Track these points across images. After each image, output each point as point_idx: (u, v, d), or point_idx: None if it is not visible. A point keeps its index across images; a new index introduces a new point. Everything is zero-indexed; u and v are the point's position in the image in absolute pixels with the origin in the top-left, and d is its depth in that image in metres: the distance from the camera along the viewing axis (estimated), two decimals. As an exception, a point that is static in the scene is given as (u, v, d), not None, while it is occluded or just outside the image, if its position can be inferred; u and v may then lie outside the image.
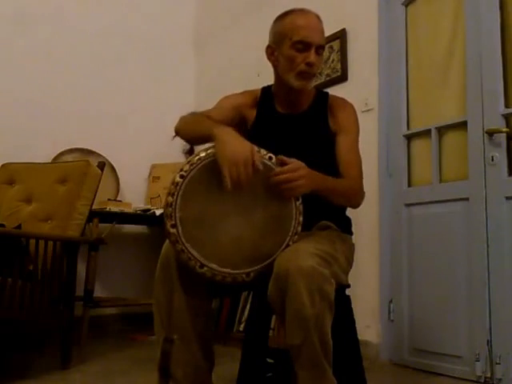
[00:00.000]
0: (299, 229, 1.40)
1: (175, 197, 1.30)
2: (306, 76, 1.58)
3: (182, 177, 1.31)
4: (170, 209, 1.30)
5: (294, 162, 1.36)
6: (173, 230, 1.30)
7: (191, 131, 1.55)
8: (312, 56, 1.55)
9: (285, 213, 1.38)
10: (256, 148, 1.34)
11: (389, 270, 2.58)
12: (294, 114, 1.68)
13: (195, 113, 1.61)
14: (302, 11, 1.61)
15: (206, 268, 1.33)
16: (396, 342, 2.52)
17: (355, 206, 1.62)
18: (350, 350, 1.61)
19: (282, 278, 1.27)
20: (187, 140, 1.63)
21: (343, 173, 1.58)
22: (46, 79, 3.30)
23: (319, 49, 1.58)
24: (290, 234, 1.39)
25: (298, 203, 1.39)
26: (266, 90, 1.75)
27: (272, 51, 1.64)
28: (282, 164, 1.36)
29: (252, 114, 1.70)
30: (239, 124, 1.67)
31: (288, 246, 1.38)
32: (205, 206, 1.34)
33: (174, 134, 1.61)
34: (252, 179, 1.30)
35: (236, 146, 1.32)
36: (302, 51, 1.55)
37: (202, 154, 1.33)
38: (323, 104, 1.69)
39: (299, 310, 1.25)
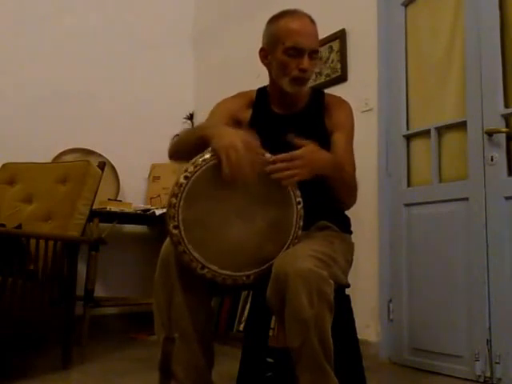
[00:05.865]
0: (299, 232, 1.40)
1: (179, 198, 1.28)
2: (300, 81, 1.58)
3: (186, 178, 1.29)
4: (173, 210, 1.29)
5: (300, 150, 1.36)
6: (175, 231, 1.29)
7: (184, 144, 1.53)
8: (305, 62, 1.54)
9: (286, 217, 1.38)
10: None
11: (388, 270, 2.59)
12: (289, 114, 1.68)
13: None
14: (296, 14, 1.58)
15: (206, 270, 1.32)
16: (395, 342, 2.52)
17: (351, 201, 1.60)
18: (349, 349, 1.61)
19: (281, 281, 1.27)
20: (182, 156, 1.58)
21: None
22: (46, 79, 3.30)
23: (312, 53, 1.57)
24: (291, 237, 1.39)
25: (299, 207, 1.39)
26: (261, 90, 1.74)
27: (265, 54, 1.63)
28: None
29: (247, 115, 1.69)
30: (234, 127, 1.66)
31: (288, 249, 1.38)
32: (208, 207, 1.33)
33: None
34: (255, 181, 1.30)
35: (233, 133, 1.32)
36: (295, 57, 1.54)
37: (207, 156, 1.32)
38: (319, 103, 1.69)
39: (298, 311, 1.24)
